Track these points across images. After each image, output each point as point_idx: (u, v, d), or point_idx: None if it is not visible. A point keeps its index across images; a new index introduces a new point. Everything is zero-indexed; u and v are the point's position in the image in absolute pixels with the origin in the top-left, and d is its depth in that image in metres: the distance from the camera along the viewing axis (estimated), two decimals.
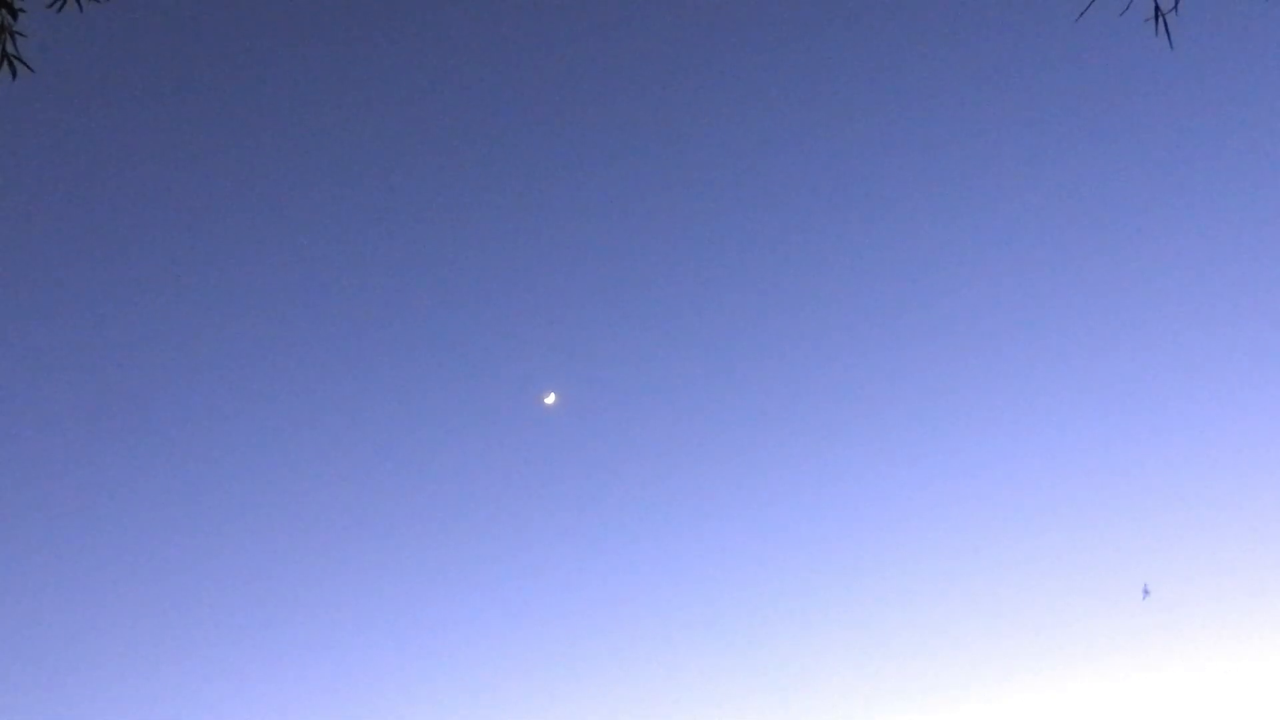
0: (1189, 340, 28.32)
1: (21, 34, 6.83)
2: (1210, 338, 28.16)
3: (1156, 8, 6.10)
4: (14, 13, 6.75)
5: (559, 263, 31.46)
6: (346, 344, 31.45)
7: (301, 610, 29.36)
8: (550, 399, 29.50)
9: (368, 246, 31.22)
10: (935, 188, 29.68)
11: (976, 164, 29.30)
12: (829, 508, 29.71)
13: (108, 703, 27.09)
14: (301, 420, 31.00)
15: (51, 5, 6.95)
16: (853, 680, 26.95)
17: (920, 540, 28.78)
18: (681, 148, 30.57)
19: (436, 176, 30.89)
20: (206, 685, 27.52)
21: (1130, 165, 28.48)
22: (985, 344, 29.81)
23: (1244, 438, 26.55)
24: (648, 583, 29.83)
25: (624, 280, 31.50)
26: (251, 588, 29.41)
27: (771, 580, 29.26)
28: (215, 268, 30.41)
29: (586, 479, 31.08)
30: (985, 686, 25.97)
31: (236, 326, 30.84)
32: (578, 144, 30.62)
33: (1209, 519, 26.78)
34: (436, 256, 31.63)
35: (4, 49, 6.79)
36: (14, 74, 6.86)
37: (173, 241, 30.24)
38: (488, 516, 30.97)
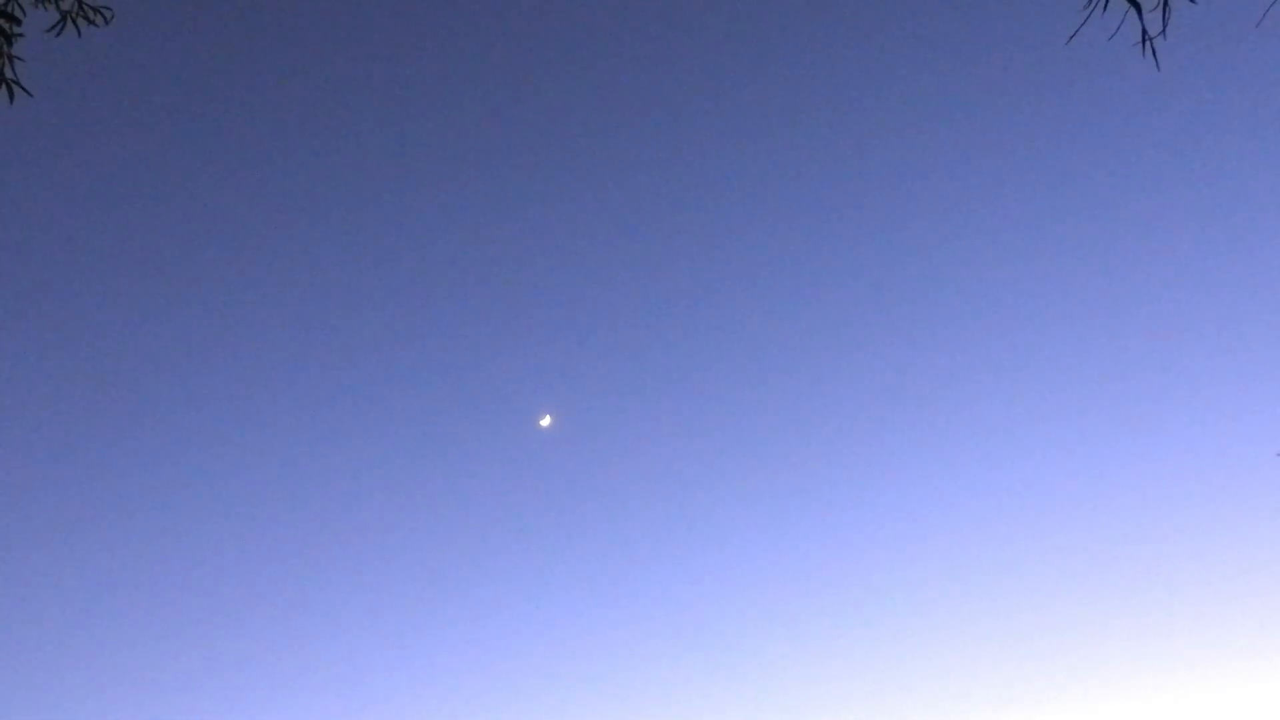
0: (1193, 353, 28.48)
1: (20, 58, 6.88)
2: (1211, 352, 28.31)
3: (1144, 32, 6.39)
4: (11, 38, 6.80)
5: (554, 286, 31.55)
6: (343, 367, 31.47)
7: (297, 631, 29.25)
8: (545, 421, 29.50)
9: (365, 268, 31.28)
10: (932, 205, 29.86)
11: (974, 178, 29.50)
12: (826, 524, 29.72)
13: (108, 703, 26.97)
14: (298, 441, 30.98)
15: (50, 30, 7.01)
16: (846, 709, 26.89)
17: (919, 562, 28.78)
18: (677, 169, 30.73)
19: (434, 198, 31.01)
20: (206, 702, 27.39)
21: (1121, 180, 28.74)
22: (996, 354, 29.93)
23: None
24: (643, 605, 29.77)
25: (619, 304, 31.59)
26: (245, 610, 29.31)
27: (767, 601, 29.22)
28: (215, 292, 30.45)
29: (582, 501, 31.06)
30: (994, 697, 25.93)
31: (238, 347, 30.85)
32: (574, 166, 30.77)
33: (1227, 527, 26.86)
34: (432, 279, 31.70)
35: (2, 73, 6.83)
36: (11, 98, 6.91)
37: (169, 270, 30.28)
38: (483, 539, 30.92)
